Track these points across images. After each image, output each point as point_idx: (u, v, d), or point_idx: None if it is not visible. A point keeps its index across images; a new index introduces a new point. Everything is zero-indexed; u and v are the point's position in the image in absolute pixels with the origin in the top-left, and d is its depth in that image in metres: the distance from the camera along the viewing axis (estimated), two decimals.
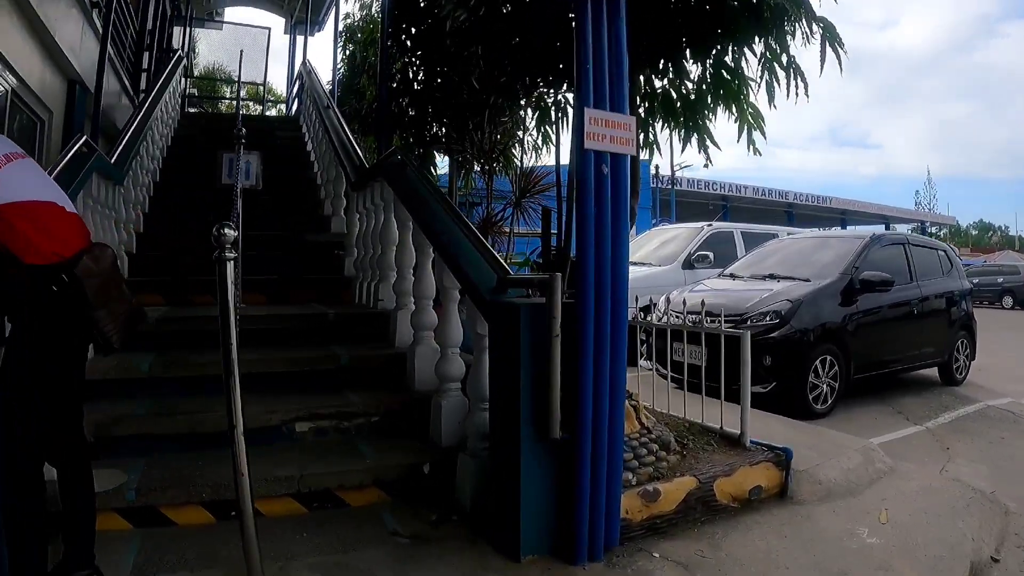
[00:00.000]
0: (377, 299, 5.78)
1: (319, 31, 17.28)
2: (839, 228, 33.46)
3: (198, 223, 5.39)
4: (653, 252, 12.41)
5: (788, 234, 12.93)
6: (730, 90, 5.04)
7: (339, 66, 12.93)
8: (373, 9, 11.45)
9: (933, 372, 9.78)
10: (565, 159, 5.53)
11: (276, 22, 18.69)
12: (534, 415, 3.13)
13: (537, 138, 6.71)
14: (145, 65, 12.47)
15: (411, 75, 8.29)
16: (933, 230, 39.71)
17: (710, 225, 12.83)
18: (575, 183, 3.07)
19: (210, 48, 21.79)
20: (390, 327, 5.31)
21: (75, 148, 4.80)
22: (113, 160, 6.13)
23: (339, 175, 7.97)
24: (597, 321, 3.07)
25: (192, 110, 16.48)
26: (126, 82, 11.15)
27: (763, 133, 5.44)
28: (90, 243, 2.89)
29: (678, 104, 5.25)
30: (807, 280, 8.26)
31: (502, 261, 3.53)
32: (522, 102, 6.07)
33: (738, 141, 5.46)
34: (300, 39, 16.75)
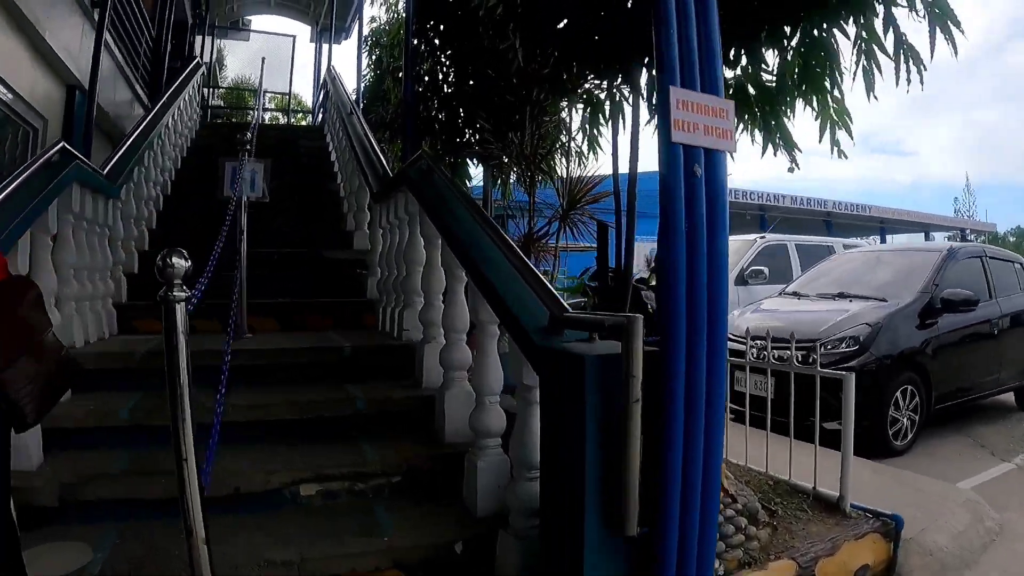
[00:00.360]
0: (402, 328, 4.97)
1: (346, 39, 16.71)
2: (877, 238, 32.42)
3: (211, 238, 4.72)
4: None
5: (844, 246, 12.12)
6: (818, 79, 4.25)
7: (365, 72, 12.30)
8: (399, 6, 10.78)
9: (1007, 397, 8.96)
10: (623, 165, 4.78)
11: (302, 30, 18.15)
12: (602, 501, 2.31)
13: (582, 143, 5.93)
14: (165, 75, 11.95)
15: (440, 77, 7.61)
16: (972, 238, 38.56)
17: (763, 237, 11.93)
18: (660, 188, 2.27)
19: (238, 61, 21.40)
20: (416, 363, 4.51)
21: (46, 156, 4.10)
22: (106, 171, 5.43)
23: (362, 185, 7.23)
24: (689, 377, 2.26)
25: (218, 121, 16.01)
26: (139, 91, 10.56)
27: (849, 132, 4.66)
28: (7, 276, 2.15)
29: (754, 98, 4.46)
30: (883, 300, 7.40)
31: (556, 293, 2.69)
32: (566, 99, 5.27)
33: (820, 141, 4.70)
34: (326, 47, 16.18)
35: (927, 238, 35.36)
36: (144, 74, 11.21)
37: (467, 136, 7.04)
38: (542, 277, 2.81)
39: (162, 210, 7.96)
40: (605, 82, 4.54)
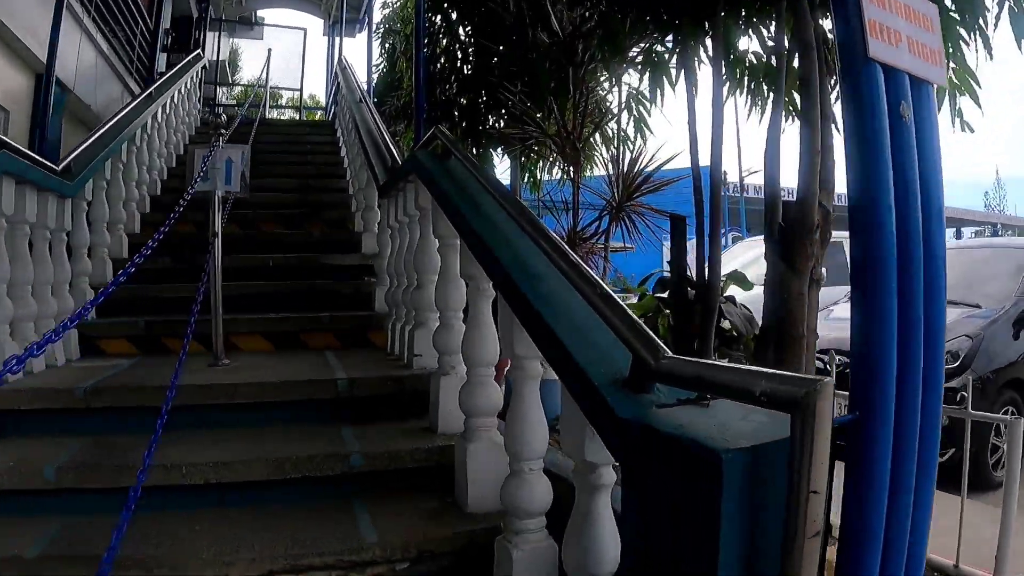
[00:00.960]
0: (413, 353, 3.95)
1: (359, 31, 15.87)
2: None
3: (204, 245, 4.11)
4: (746, 272, 10.48)
5: None
6: (951, 28, 3.28)
7: (378, 62, 11.44)
8: None
9: None
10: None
11: (314, 24, 17.35)
12: None
13: (628, 122, 4.97)
14: (163, 69, 11.13)
15: (459, 57, 6.71)
16: (1002, 233, 37.56)
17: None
18: (846, 138, 1.29)
19: (254, 61, 20.84)
20: (431, 399, 3.52)
21: None
22: (62, 166, 4.52)
23: (370, 180, 6.27)
24: (895, 470, 1.29)
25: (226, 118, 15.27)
26: (132, 86, 9.71)
27: (976, 100, 3.70)
28: None
29: None
30: (976, 306, 6.40)
31: (642, 325, 1.67)
32: (616, 59, 4.27)
33: (939, 110, 3.75)
34: (339, 41, 15.39)
35: (958, 234, 34.35)
36: (141, 68, 10.40)
37: (491, 122, 6.08)
38: (619, 301, 1.80)
39: (148, 212, 7.07)
40: (669, 36, 3.53)
